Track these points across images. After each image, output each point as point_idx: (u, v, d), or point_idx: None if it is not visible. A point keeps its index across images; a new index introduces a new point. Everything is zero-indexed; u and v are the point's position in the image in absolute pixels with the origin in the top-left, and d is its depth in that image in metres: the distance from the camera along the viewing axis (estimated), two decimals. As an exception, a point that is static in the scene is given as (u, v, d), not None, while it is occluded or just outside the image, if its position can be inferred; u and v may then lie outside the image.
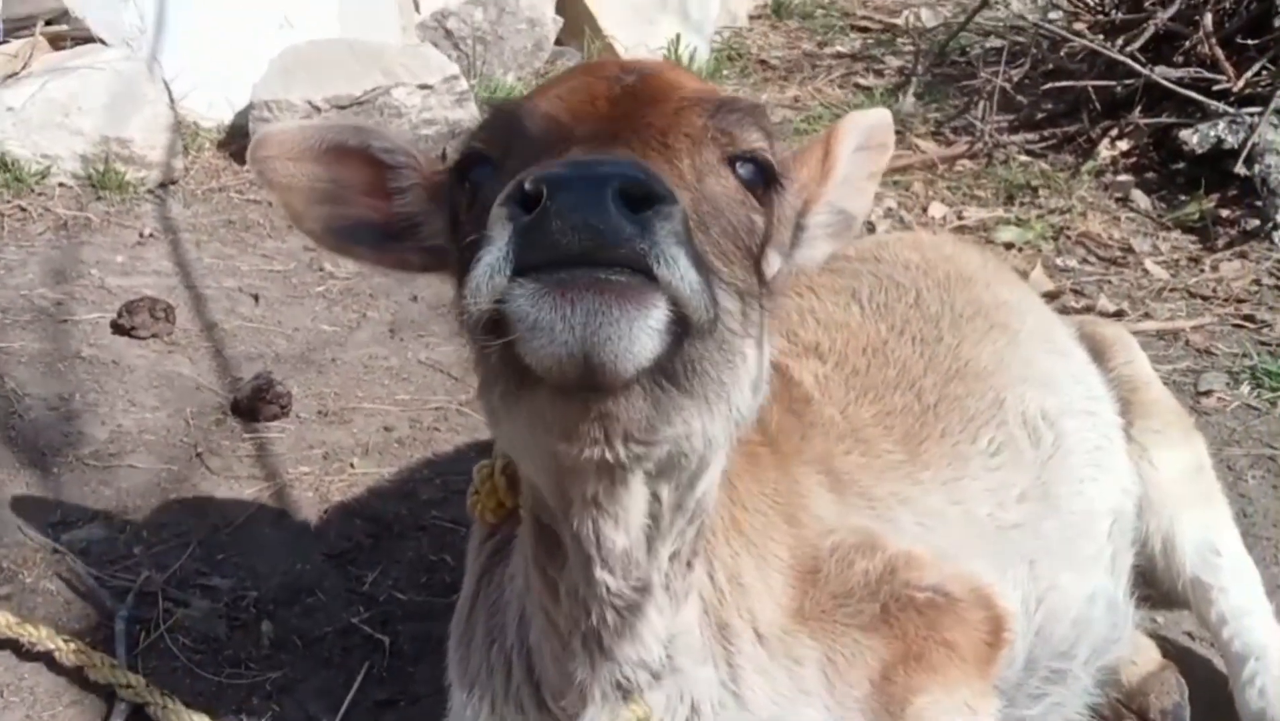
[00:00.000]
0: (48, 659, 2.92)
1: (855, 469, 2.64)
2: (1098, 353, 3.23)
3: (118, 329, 4.35)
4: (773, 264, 1.97)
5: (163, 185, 5.52)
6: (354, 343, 4.55)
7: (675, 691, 2.08)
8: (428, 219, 2.03)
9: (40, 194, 5.29)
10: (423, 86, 5.65)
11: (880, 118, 2.28)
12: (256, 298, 4.78)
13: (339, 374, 4.34)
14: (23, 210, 5.17)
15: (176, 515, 3.52)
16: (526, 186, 1.42)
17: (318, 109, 5.57)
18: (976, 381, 2.91)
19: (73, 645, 2.88)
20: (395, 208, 2.04)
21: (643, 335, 1.43)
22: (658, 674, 2.01)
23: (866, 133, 2.23)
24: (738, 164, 1.78)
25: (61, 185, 5.37)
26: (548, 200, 1.40)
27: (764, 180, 1.83)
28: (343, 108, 5.58)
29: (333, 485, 3.72)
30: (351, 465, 3.82)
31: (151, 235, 5.14)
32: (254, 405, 3.97)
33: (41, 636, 2.90)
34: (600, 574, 1.83)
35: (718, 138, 1.76)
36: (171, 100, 5.76)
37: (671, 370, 1.53)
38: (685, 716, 2.14)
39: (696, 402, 1.59)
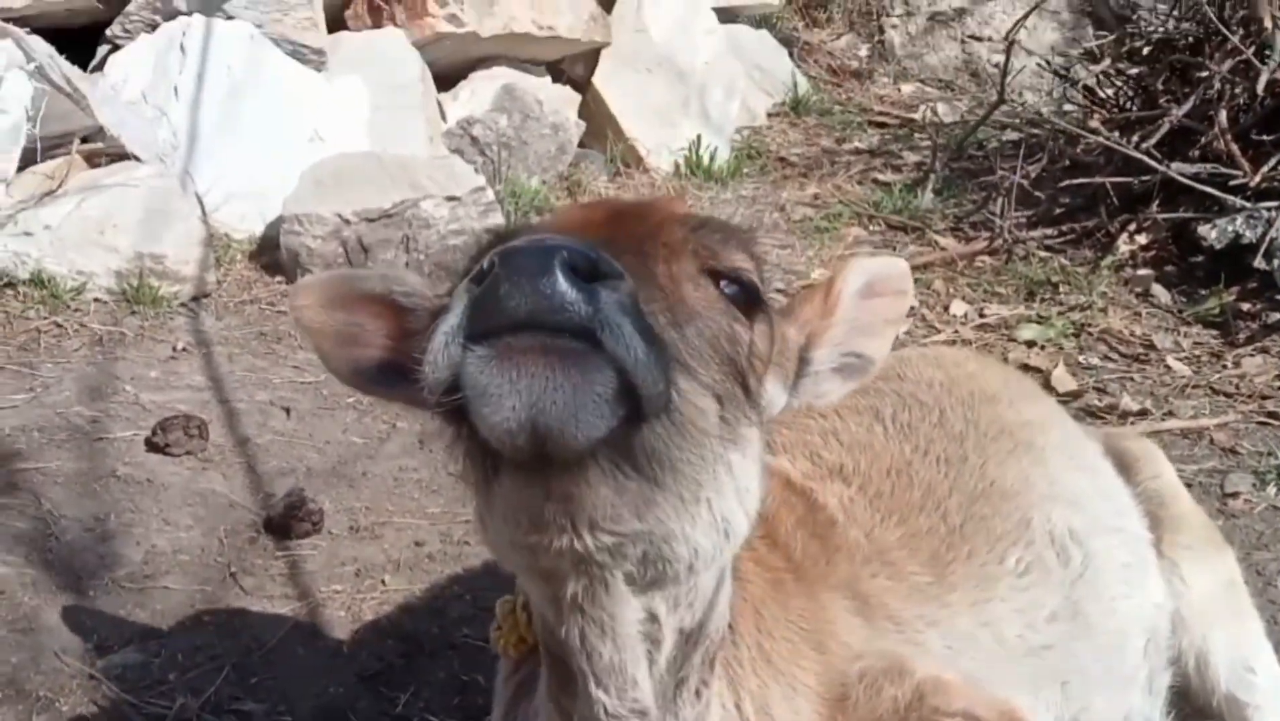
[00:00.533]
0: (85, 791, 2.96)
1: (882, 592, 2.64)
2: (1124, 467, 3.25)
3: (152, 446, 4.41)
4: (775, 397, 1.99)
5: (195, 298, 5.62)
6: (384, 454, 4.61)
7: None
8: None
9: (76, 310, 5.39)
10: (450, 198, 5.76)
11: (896, 267, 2.28)
12: (288, 411, 4.84)
13: (370, 487, 4.39)
14: (59, 326, 5.27)
15: (211, 637, 3.56)
16: (483, 263, 1.48)
17: (347, 221, 5.68)
18: (1003, 501, 2.93)
19: (110, 777, 2.90)
20: (411, 349, 2.03)
21: (589, 401, 1.44)
22: None
23: (879, 278, 2.23)
24: (721, 281, 1.80)
25: (97, 301, 5.47)
26: (499, 268, 1.45)
27: (749, 299, 1.83)
28: (372, 220, 5.69)
29: (365, 603, 3.76)
30: (383, 582, 3.86)
31: (185, 349, 5.23)
32: (286, 522, 4.01)
33: (79, 768, 2.92)
34: (595, 691, 1.80)
35: (699, 251, 1.79)
36: (204, 214, 5.88)
37: (631, 453, 1.54)
38: None
39: (669, 498, 1.60)
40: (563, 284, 1.43)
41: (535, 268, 1.44)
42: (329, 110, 6.52)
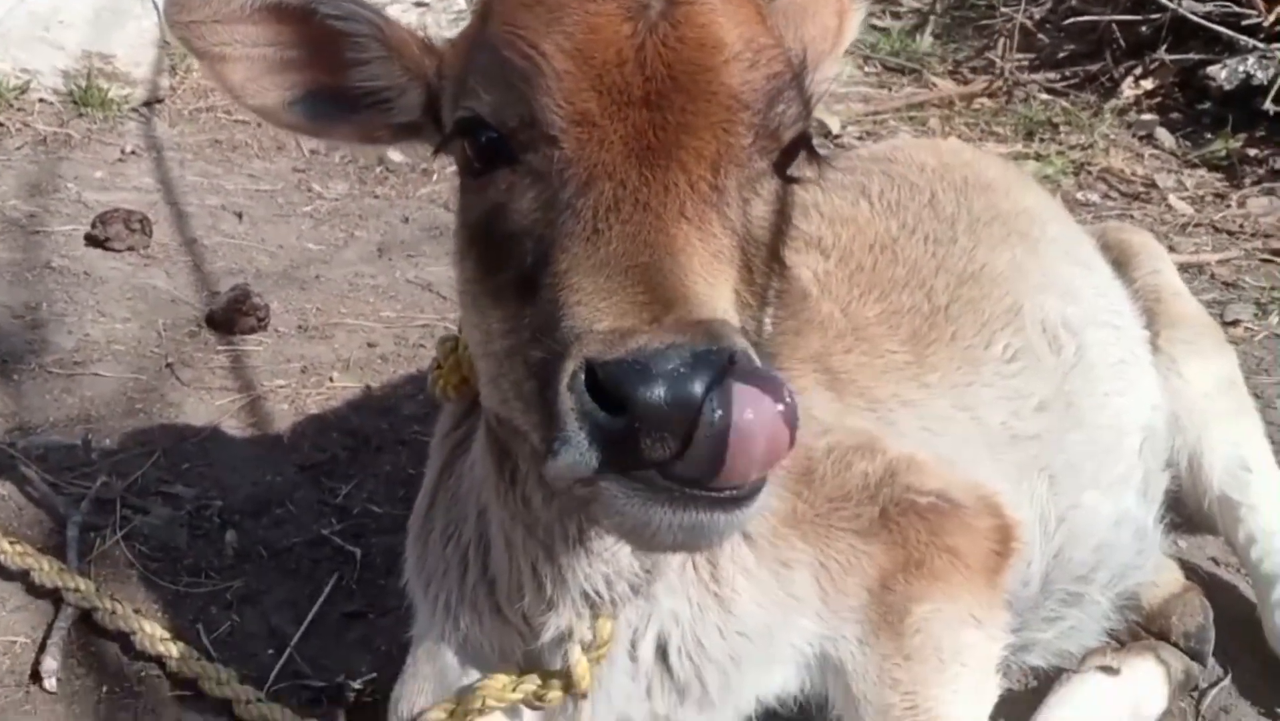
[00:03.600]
0: (-7, 563, 2.74)
1: (855, 368, 2.44)
2: (1122, 262, 3.03)
3: (91, 240, 4.16)
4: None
5: (148, 103, 5.31)
6: (340, 261, 4.36)
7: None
8: (400, 94, 1.80)
9: (19, 109, 5.09)
10: (419, 4, 5.44)
11: None
12: (240, 215, 4.58)
13: (322, 291, 4.14)
14: (0, 125, 4.97)
15: (142, 424, 3.33)
16: (600, 377, 1.31)
17: (310, 27, 5.35)
18: (993, 286, 2.71)
19: (18, 547, 2.69)
20: (355, 80, 1.80)
21: (741, 527, 1.44)
22: (636, 587, 1.87)
23: None
24: (778, 149, 1.61)
25: (42, 101, 5.17)
26: (636, 423, 1.29)
27: (798, 146, 1.66)
28: (336, 25, 5.36)
29: (310, 398, 3.54)
30: (331, 379, 3.63)
31: (134, 152, 4.95)
32: (229, 317, 3.77)
33: (-14, 539, 2.71)
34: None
35: (765, 146, 1.58)
36: (159, 16, 5.54)
37: None
38: (662, 619, 1.97)
39: None
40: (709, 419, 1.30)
41: (677, 421, 1.29)
42: (295, -86, 6.12)
